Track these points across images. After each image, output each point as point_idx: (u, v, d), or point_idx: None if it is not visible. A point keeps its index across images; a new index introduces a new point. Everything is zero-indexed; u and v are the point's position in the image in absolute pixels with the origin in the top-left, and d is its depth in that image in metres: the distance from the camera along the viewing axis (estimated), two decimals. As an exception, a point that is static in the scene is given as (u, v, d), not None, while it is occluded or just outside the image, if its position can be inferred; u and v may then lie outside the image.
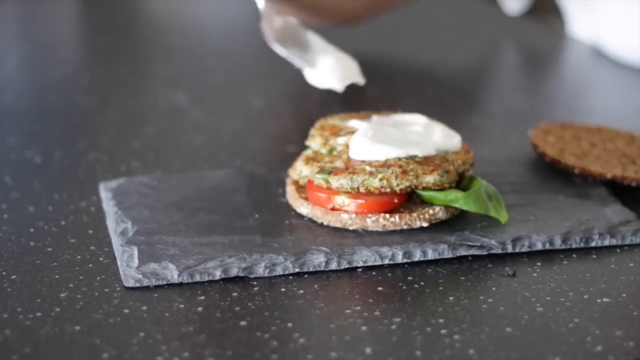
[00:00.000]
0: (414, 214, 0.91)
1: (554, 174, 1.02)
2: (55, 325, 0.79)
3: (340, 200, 0.91)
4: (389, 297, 0.84)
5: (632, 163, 1.02)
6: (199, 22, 1.62)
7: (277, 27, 0.96)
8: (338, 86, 0.92)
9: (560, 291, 0.85)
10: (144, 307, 0.82)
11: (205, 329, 0.79)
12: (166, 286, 0.84)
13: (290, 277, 0.86)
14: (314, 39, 0.98)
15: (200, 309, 0.82)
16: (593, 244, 0.91)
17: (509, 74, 1.41)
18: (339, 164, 0.93)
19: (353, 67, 0.95)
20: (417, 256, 0.88)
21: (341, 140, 0.96)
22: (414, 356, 0.76)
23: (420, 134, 0.95)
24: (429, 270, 0.88)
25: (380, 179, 0.90)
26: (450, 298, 0.84)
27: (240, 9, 1.60)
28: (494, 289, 0.85)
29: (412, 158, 0.93)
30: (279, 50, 0.93)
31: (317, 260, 0.87)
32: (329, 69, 0.93)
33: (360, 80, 0.96)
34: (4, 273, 0.86)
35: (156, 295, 0.83)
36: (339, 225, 0.92)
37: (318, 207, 0.92)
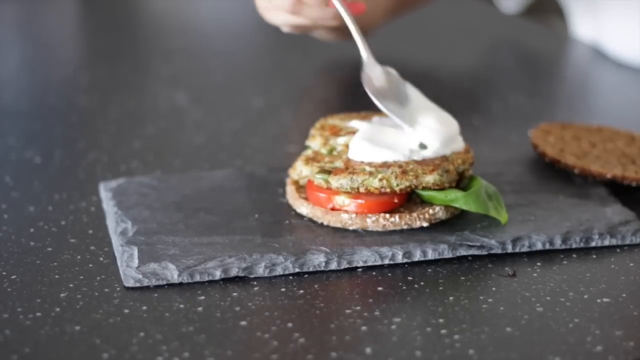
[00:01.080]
0: (414, 214, 0.91)
1: (554, 174, 1.02)
2: (55, 325, 0.79)
3: (340, 200, 0.91)
4: (389, 297, 0.84)
5: (632, 163, 1.02)
6: (199, 22, 1.62)
7: (378, 79, 0.96)
8: (440, 148, 0.92)
9: (560, 291, 0.85)
10: (144, 307, 0.82)
11: (205, 329, 0.79)
12: (166, 286, 0.84)
13: (290, 277, 0.86)
14: (413, 93, 0.97)
15: (200, 309, 0.82)
16: (593, 244, 0.91)
17: (509, 74, 1.41)
18: (339, 164, 0.93)
19: (453, 126, 0.95)
20: (417, 256, 0.88)
21: (341, 140, 0.96)
22: (414, 356, 0.76)
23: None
24: (429, 270, 0.88)
25: (380, 179, 0.90)
26: (450, 298, 0.84)
27: (240, 9, 1.60)
28: (494, 289, 0.85)
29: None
30: (379, 104, 0.93)
31: (317, 260, 0.87)
32: (429, 129, 0.93)
33: (460, 144, 0.95)
34: (4, 273, 0.86)
35: (156, 295, 0.83)
36: (339, 225, 0.92)
37: (318, 207, 0.92)
